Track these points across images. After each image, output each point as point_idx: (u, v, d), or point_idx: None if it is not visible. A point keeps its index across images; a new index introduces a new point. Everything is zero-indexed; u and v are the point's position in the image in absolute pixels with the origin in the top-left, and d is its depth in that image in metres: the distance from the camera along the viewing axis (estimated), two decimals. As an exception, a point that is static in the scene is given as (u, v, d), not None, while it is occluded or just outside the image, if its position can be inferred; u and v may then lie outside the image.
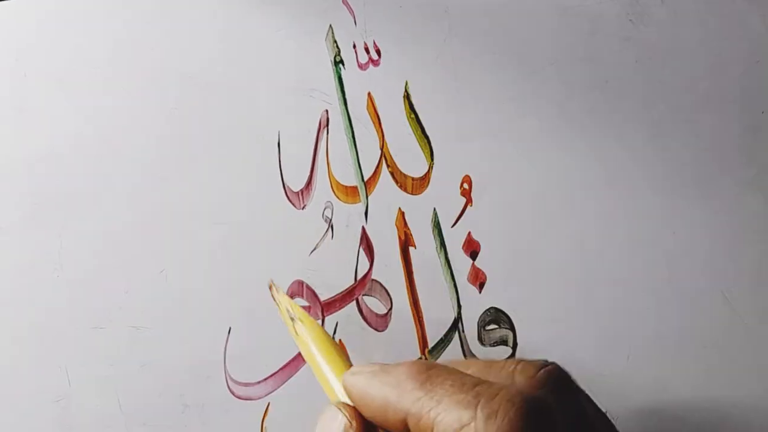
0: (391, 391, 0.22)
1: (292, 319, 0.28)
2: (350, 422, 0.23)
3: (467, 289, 0.32)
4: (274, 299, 0.30)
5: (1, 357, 0.30)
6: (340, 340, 0.31)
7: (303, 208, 0.32)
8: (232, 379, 0.31)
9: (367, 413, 0.23)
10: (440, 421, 0.20)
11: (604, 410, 0.29)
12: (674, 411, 0.33)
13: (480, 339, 0.32)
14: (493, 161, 0.33)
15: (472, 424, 0.19)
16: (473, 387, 0.20)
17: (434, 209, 0.33)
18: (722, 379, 0.33)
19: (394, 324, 0.32)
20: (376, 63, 0.33)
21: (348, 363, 0.26)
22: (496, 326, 0.32)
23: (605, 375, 0.32)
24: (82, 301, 0.30)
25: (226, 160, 0.32)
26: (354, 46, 0.33)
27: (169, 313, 0.31)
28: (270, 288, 0.30)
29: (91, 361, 0.30)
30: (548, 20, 0.34)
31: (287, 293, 0.31)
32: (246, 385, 0.31)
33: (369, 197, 0.33)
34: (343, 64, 0.33)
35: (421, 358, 0.32)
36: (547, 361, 0.23)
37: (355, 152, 0.33)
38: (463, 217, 0.33)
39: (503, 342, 0.32)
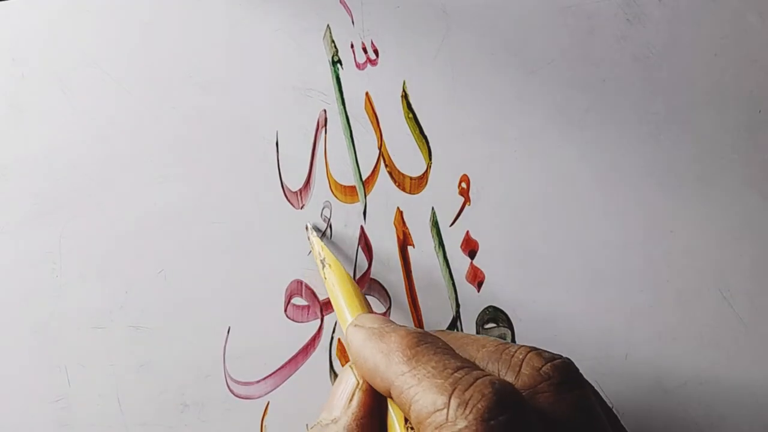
0: (382, 359, 0.22)
1: (322, 263, 0.29)
2: (358, 381, 0.24)
3: (466, 288, 0.33)
4: (309, 240, 0.31)
5: (1, 357, 0.30)
6: (339, 341, 0.32)
7: (301, 207, 0.32)
8: (231, 379, 0.31)
9: (359, 372, 0.23)
10: (417, 401, 0.20)
11: (610, 405, 0.29)
12: (673, 410, 0.33)
13: (478, 338, 0.32)
14: (491, 161, 0.33)
15: (444, 411, 0.19)
16: (453, 373, 0.21)
17: (432, 208, 0.33)
18: (721, 378, 0.33)
19: (393, 323, 0.32)
20: (373, 63, 0.33)
21: (367, 311, 0.27)
22: (494, 325, 0.32)
23: (603, 374, 0.32)
24: (82, 301, 0.30)
25: (224, 159, 0.32)
26: (352, 46, 0.33)
27: (169, 313, 0.31)
28: (306, 229, 0.31)
29: (91, 360, 0.30)
30: (546, 20, 0.34)
31: (286, 292, 0.31)
32: (246, 384, 0.31)
33: (367, 197, 0.33)
34: (341, 64, 0.33)
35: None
36: (558, 354, 0.23)
37: (353, 152, 0.33)
38: (461, 217, 0.33)
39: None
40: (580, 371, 0.23)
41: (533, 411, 0.21)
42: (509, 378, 0.22)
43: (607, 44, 0.34)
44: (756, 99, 0.35)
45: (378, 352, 0.23)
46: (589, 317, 0.33)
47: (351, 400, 0.23)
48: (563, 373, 0.22)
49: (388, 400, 0.23)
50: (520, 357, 0.23)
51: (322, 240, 0.31)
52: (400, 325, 0.24)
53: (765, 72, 0.35)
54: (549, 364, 0.22)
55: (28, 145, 0.31)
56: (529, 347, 0.23)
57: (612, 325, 0.33)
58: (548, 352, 0.23)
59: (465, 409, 0.19)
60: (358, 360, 0.24)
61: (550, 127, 0.34)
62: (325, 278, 0.29)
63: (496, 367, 0.23)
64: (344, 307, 0.27)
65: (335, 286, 0.28)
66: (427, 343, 0.22)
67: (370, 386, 0.24)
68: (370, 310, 0.27)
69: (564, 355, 0.23)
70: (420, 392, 0.20)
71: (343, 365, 0.31)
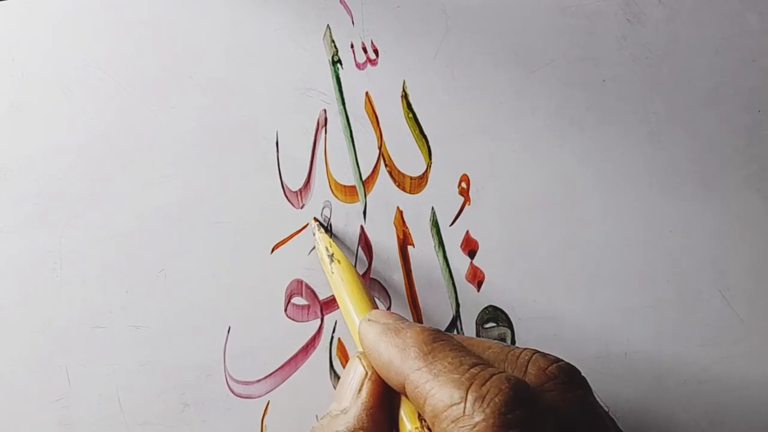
0: (397, 354, 0.22)
1: (330, 258, 0.29)
2: (366, 371, 0.24)
3: (465, 288, 0.33)
4: (314, 236, 0.31)
5: (2, 356, 0.30)
6: (339, 342, 0.32)
7: (302, 207, 0.32)
8: (232, 378, 0.31)
9: (374, 366, 0.23)
10: (433, 395, 0.21)
11: (606, 409, 0.29)
12: (672, 409, 0.33)
13: (478, 337, 0.32)
14: (491, 160, 0.33)
15: (462, 404, 0.20)
16: (469, 368, 0.21)
17: (432, 208, 0.33)
18: (721, 377, 0.33)
19: (393, 322, 0.32)
20: (373, 62, 0.33)
21: (375, 308, 0.27)
22: (494, 324, 0.33)
23: (603, 373, 0.32)
24: (83, 301, 0.30)
25: (224, 159, 0.32)
26: (352, 46, 0.33)
27: (169, 313, 0.31)
28: (311, 224, 0.31)
29: (92, 360, 0.30)
30: (546, 20, 0.34)
31: (286, 292, 0.31)
32: (246, 383, 0.31)
33: (367, 196, 0.33)
34: (341, 64, 0.33)
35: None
36: (560, 358, 0.23)
37: (353, 152, 0.33)
38: (461, 216, 0.33)
39: (501, 340, 0.32)
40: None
41: (546, 408, 0.21)
42: None
43: (607, 44, 0.34)
44: (756, 99, 0.35)
45: (393, 347, 0.23)
46: (588, 316, 0.33)
47: (360, 390, 0.24)
48: (568, 374, 0.22)
49: (401, 395, 0.23)
50: (526, 358, 0.23)
51: (329, 236, 0.31)
52: (415, 323, 0.24)
53: (764, 72, 0.35)
54: (554, 365, 0.23)
55: (29, 145, 0.31)
56: (534, 349, 0.24)
57: (612, 325, 0.33)
58: (552, 355, 0.24)
59: (482, 403, 0.20)
60: (372, 354, 0.24)
61: (550, 127, 0.34)
62: (332, 273, 0.29)
63: (502, 368, 0.23)
64: (350, 303, 0.27)
65: (343, 281, 0.28)
66: (442, 341, 0.23)
67: (379, 376, 0.24)
68: (376, 307, 0.27)
69: (562, 355, 0.24)
70: (436, 387, 0.21)
71: (343, 365, 0.31)
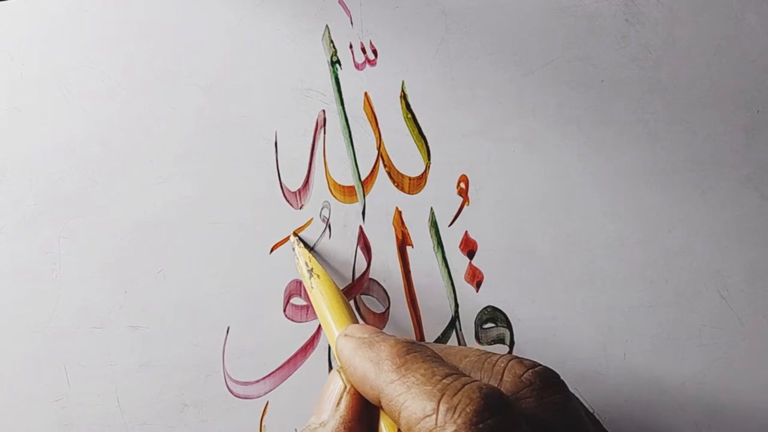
0: (371, 368, 0.22)
1: (310, 273, 0.29)
2: (345, 385, 0.24)
3: (464, 288, 0.33)
4: (294, 251, 0.30)
5: (1, 357, 0.30)
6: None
7: (300, 207, 0.32)
8: (230, 378, 0.31)
9: (350, 380, 0.23)
10: (406, 408, 0.21)
11: (591, 410, 0.29)
12: (671, 409, 0.33)
13: (477, 337, 0.32)
14: (490, 160, 0.33)
15: (434, 416, 0.20)
16: (441, 379, 0.21)
17: (431, 209, 0.33)
18: (719, 377, 0.33)
19: (392, 323, 0.32)
20: (372, 63, 0.33)
21: (354, 322, 0.27)
22: (493, 324, 0.33)
23: (602, 373, 0.33)
24: (82, 301, 0.31)
25: (223, 159, 0.32)
26: (350, 46, 0.33)
27: (168, 313, 0.31)
28: (291, 239, 0.31)
29: (91, 360, 0.30)
30: (545, 20, 0.34)
31: (285, 292, 0.32)
32: (245, 383, 0.31)
33: (366, 197, 0.33)
34: (340, 64, 0.33)
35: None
36: (537, 362, 0.23)
37: (352, 152, 0.33)
38: (460, 217, 0.33)
39: (500, 340, 0.32)
40: (571, 373, 0.24)
41: (520, 415, 0.21)
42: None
43: (606, 44, 0.34)
44: (754, 99, 0.35)
45: (368, 361, 0.23)
46: (587, 317, 0.33)
47: (339, 403, 0.24)
48: (544, 379, 0.22)
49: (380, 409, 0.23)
50: (502, 365, 0.23)
51: (308, 251, 0.31)
52: (390, 335, 0.24)
53: (763, 72, 0.35)
54: (530, 371, 0.23)
55: (27, 146, 0.31)
56: (511, 355, 0.23)
57: (610, 325, 0.33)
58: (529, 359, 0.23)
59: (454, 413, 0.20)
60: (348, 369, 0.24)
61: (549, 127, 0.34)
62: (312, 288, 0.29)
63: (478, 376, 0.23)
64: (331, 318, 0.27)
65: (323, 296, 0.28)
66: (416, 352, 0.23)
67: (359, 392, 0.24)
68: (356, 321, 0.27)
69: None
70: (409, 399, 0.21)
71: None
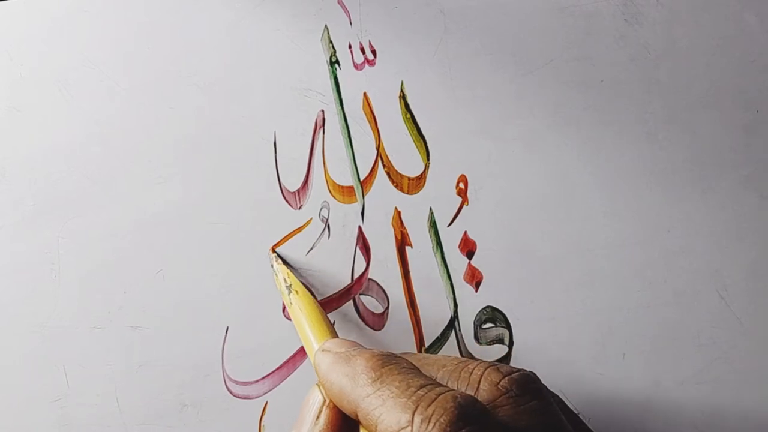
0: (347, 383, 0.23)
1: (288, 289, 0.29)
2: (324, 399, 0.24)
3: (463, 288, 0.33)
4: (272, 267, 0.30)
5: (0, 357, 0.30)
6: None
7: (299, 207, 0.32)
8: (230, 378, 0.31)
9: (328, 395, 0.24)
10: (383, 421, 0.21)
11: (576, 412, 0.29)
12: (670, 409, 0.33)
13: (476, 337, 0.32)
14: (489, 161, 0.33)
15: (409, 428, 0.20)
16: (416, 391, 0.21)
17: (430, 209, 0.33)
18: (719, 378, 0.33)
19: (391, 323, 0.32)
20: (371, 63, 0.33)
21: (333, 337, 0.27)
22: (492, 325, 0.33)
23: (601, 373, 0.33)
24: (81, 301, 0.31)
25: (222, 160, 0.32)
26: (350, 46, 0.33)
27: (167, 313, 0.31)
28: (269, 255, 0.31)
29: (90, 361, 0.30)
30: (544, 20, 0.34)
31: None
32: (244, 383, 0.31)
33: (365, 197, 0.33)
34: (339, 64, 0.33)
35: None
36: (515, 368, 0.23)
37: (351, 152, 0.33)
38: (459, 217, 0.33)
39: (499, 340, 0.32)
40: (542, 381, 0.23)
41: (497, 423, 0.21)
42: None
43: (605, 44, 0.34)
44: (754, 99, 0.35)
45: (344, 376, 0.23)
46: (586, 317, 0.33)
47: (318, 417, 0.24)
48: (521, 386, 0.22)
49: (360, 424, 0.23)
50: (479, 373, 0.23)
51: (287, 267, 0.31)
52: (367, 349, 0.24)
53: (763, 72, 0.35)
54: (507, 378, 0.22)
55: (27, 146, 0.31)
56: (488, 363, 0.23)
57: (610, 325, 0.33)
58: (507, 366, 0.23)
59: (428, 424, 0.20)
60: (326, 384, 0.24)
61: (548, 127, 0.34)
62: (291, 304, 0.29)
63: (455, 385, 0.23)
64: (310, 333, 0.27)
65: (302, 311, 0.28)
66: (391, 365, 0.23)
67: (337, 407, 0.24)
68: (335, 336, 0.27)
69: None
70: (385, 412, 0.21)
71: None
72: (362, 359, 0.23)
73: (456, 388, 0.22)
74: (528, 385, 0.22)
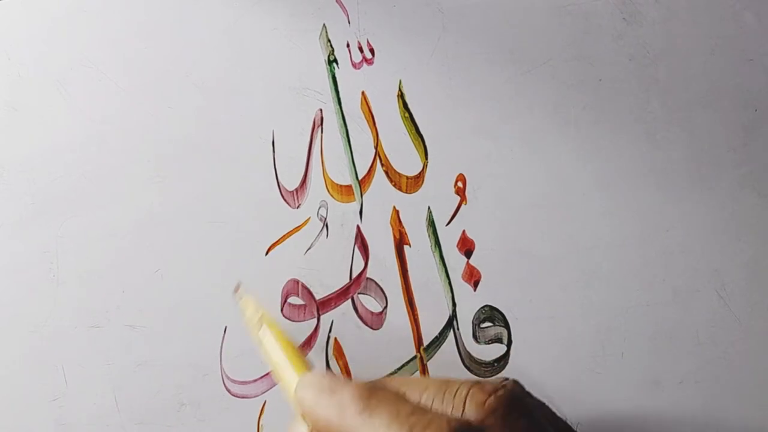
0: (335, 414, 0.22)
1: (260, 322, 0.28)
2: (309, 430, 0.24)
3: (462, 288, 0.33)
4: (240, 300, 0.30)
5: (-2, 356, 0.30)
6: (336, 339, 0.32)
7: (298, 207, 0.32)
8: (228, 378, 0.31)
9: (314, 428, 0.23)
10: None
11: (564, 418, 0.28)
12: (669, 408, 0.33)
13: (475, 337, 0.32)
14: (488, 160, 0.33)
15: None
16: (408, 417, 0.21)
17: (429, 208, 0.33)
18: (717, 376, 0.33)
19: (390, 322, 0.32)
20: (369, 62, 0.33)
21: (309, 370, 0.26)
22: (490, 324, 0.33)
23: (599, 373, 0.32)
24: (79, 301, 0.30)
25: (220, 159, 0.32)
26: (348, 45, 0.33)
27: (166, 312, 0.31)
28: (238, 289, 0.31)
29: (88, 360, 0.30)
30: (542, 19, 0.34)
31: (283, 292, 0.32)
32: (242, 383, 0.31)
33: (363, 196, 0.33)
34: (337, 63, 0.33)
35: (416, 357, 0.32)
36: (505, 380, 0.23)
37: (349, 151, 0.33)
38: (457, 216, 0.33)
39: (498, 339, 0.32)
40: (528, 391, 0.23)
41: None
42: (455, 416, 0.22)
43: (604, 43, 0.34)
44: (752, 98, 0.35)
45: (330, 408, 0.23)
46: (585, 316, 0.33)
47: None
48: (508, 405, 0.22)
49: None
50: (463, 393, 0.23)
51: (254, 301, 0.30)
52: (348, 380, 0.24)
53: (761, 71, 0.35)
54: (492, 396, 0.22)
55: (25, 145, 0.31)
56: (471, 382, 0.23)
57: (608, 324, 0.33)
58: (490, 383, 0.23)
59: None
60: (311, 417, 0.24)
61: (546, 127, 0.34)
62: (261, 342, 0.28)
63: (440, 408, 0.23)
64: (289, 366, 0.26)
65: (277, 343, 0.27)
66: (377, 393, 0.23)
67: None
68: (309, 368, 0.27)
69: (509, 378, 0.23)
70: None
71: (339, 365, 0.31)
72: (347, 390, 0.23)
73: (441, 411, 0.22)
74: (514, 402, 0.22)
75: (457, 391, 0.23)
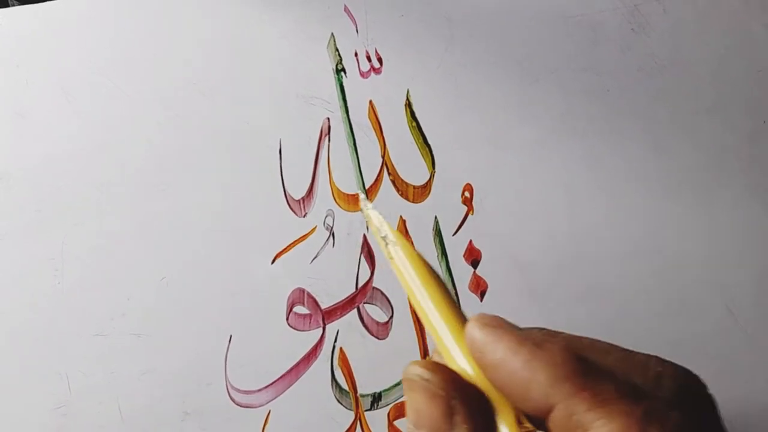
0: (544, 374, 0.19)
1: (385, 240, 0.23)
2: (448, 394, 0.21)
3: (469, 298, 0.32)
4: (365, 214, 0.24)
5: (2, 363, 0.30)
6: (342, 352, 0.31)
7: (304, 215, 0.32)
8: (232, 387, 0.31)
9: (498, 383, 0.20)
10: (599, 427, 0.18)
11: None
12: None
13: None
14: (495, 169, 0.33)
15: None
16: (641, 399, 0.19)
17: (435, 217, 0.33)
18: (725, 389, 0.33)
19: (395, 332, 0.32)
20: (377, 71, 0.33)
21: (453, 301, 0.21)
22: (497, 334, 0.32)
23: (606, 384, 0.32)
24: (84, 309, 0.30)
25: (227, 167, 0.32)
26: (356, 54, 0.33)
27: (171, 321, 0.31)
28: (359, 201, 0.30)
29: (92, 368, 0.30)
30: (550, 29, 0.34)
31: (288, 301, 0.31)
32: (247, 392, 0.31)
33: (370, 205, 0.33)
34: (345, 72, 0.33)
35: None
36: (678, 367, 0.21)
37: (356, 160, 0.33)
38: (464, 226, 0.33)
39: (504, 350, 0.32)
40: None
41: None
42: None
43: (612, 54, 0.34)
44: (760, 108, 0.35)
45: (541, 363, 0.20)
46: (592, 327, 0.33)
47: (453, 416, 0.20)
48: (696, 396, 0.21)
49: (498, 409, 0.20)
50: (652, 373, 0.21)
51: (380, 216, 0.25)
52: (550, 335, 0.22)
53: (769, 82, 0.35)
54: (682, 385, 0.20)
55: (32, 152, 0.31)
56: (658, 359, 0.21)
57: (615, 336, 0.33)
58: (670, 363, 0.21)
59: None
60: (500, 371, 0.20)
61: (554, 137, 0.34)
62: (390, 258, 0.23)
63: (630, 379, 0.21)
64: (427, 303, 0.21)
65: (409, 272, 0.22)
66: (589, 362, 0.20)
67: (470, 395, 0.20)
68: (455, 302, 0.22)
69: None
70: (604, 418, 0.18)
71: (344, 374, 0.31)
72: (558, 347, 0.20)
73: (628, 381, 0.21)
74: (701, 394, 0.21)
75: (645, 366, 0.21)
